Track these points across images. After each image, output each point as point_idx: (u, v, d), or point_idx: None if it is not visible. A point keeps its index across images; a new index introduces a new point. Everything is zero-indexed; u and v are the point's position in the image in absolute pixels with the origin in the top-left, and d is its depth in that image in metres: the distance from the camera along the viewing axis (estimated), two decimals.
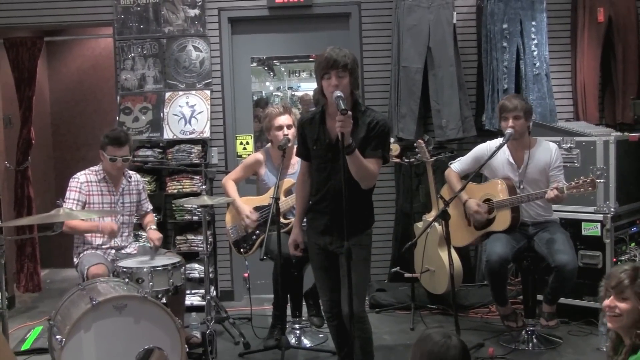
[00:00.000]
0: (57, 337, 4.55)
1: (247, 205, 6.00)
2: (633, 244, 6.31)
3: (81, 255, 5.64)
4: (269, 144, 6.12)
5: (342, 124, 4.10)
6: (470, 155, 5.92)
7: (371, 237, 4.66)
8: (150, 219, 6.06)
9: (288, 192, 5.90)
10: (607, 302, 3.21)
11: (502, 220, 5.70)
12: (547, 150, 5.70)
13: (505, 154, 5.72)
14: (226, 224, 6.22)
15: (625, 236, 6.27)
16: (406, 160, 6.63)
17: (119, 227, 5.60)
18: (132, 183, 5.92)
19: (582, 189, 5.31)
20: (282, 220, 5.71)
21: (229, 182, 6.12)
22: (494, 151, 5.55)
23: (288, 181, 5.86)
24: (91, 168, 5.78)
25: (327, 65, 4.31)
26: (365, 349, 4.58)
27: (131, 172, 5.96)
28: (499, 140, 5.68)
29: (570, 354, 5.50)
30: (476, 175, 5.71)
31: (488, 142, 5.89)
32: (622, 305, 3.16)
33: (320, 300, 5.07)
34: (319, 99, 4.60)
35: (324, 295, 4.78)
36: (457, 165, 5.97)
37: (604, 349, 3.45)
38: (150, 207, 6.13)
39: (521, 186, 5.68)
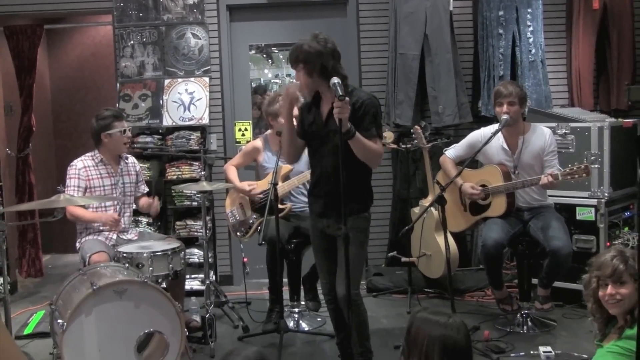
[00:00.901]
0: (59, 321, 4.55)
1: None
2: (626, 229, 6.32)
3: (83, 240, 5.63)
4: (269, 130, 6.11)
5: (340, 110, 4.05)
6: (464, 141, 5.92)
7: (369, 221, 4.63)
8: (146, 200, 6.05)
9: (285, 178, 5.90)
10: (607, 291, 3.22)
11: (498, 205, 5.70)
12: (541, 135, 5.69)
13: (499, 140, 5.70)
14: (225, 208, 6.24)
15: (618, 221, 6.28)
16: (403, 146, 6.61)
17: (120, 220, 5.57)
18: (129, 164, 5.91)
19: (576, 175, 5.30)
20: (279, 205, 5.71)
21: (230, 168, 6.15)
22: (490, 137, 5.54)
23: (286, 167, 5.85)
24: (86, 154, 5.75)
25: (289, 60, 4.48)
26: (360, 332, 4.58)
27: (127, 154, 5.95)
28: (494, 127, 5.67)
29: (564, 337, 5.52)
30: (472, 161, 5.71)
31: (482, 128, 5.88)
32: (623, 291, 3.18)
33: (319, 283, 5.06)
34: None
35: (323, 278, 4.78)
36: (452, 151, 5.97)
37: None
38: (146, 189, 6.11)
39: (516, 172, 5.67)
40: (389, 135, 5.98)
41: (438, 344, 2.72)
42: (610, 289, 3.22)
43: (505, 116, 5.54)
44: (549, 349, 5.14)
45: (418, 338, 2.77)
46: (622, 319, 3.22)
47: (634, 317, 3.16)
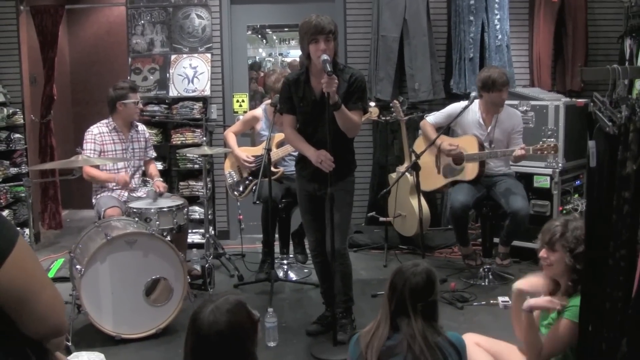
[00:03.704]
0: (77, 267, 4.58)
1: (244, 152, 6.00)
2: (576, 195, 6.35)
3: (98, 197, 5.60)
4: (267, 101, 6.06)
5: (327, 85, 4.10)
6: (444, 111, 5.89)
7: (354, 184, 4.65)
8: (154, 171, 5.98)
9: (280, 145, 5.88)
10: (541, 253, 3.24)
11: (470, 170, 5.71)
12: (512, 116, 5.72)
13: (476, 115, 5.71)
14: (224, 170, 6.22)
15: (570, 188, 6.30)
16: (383, 118, 6.60)
17: (130, 179, 5.56)
18: (140, 131, 5.85)
19: (545, 152, 5.38)
20: (272, 169, 5.70)
21: (230, 134, 6.12)
22: (464, 108, 5.61)
23: (280, 135, 5.83)
24: (102, 121, 5.70)
25: (315, 31, 4.23)
26: (345, 281, 4.60)
27: (137, 123, 5.90)
28: (476, 102, 5.69)
29: None
30: (448, 130, 5.76)
31: (461, 102, 5.87)
32: (552, 257, 3.18)
33: (306, 239, 5.06)
34: (303, 61, 4.51)
35: (310, 236, 4.76)
36: (432, 118, 5.94)
37: None
38: (154, 154, 6.06)
39: (491, 145, 5.68)
40: (374, 111, 5.96)
41: (390, 278, 2.80)
42: (542, 252, 3.23)
43: (474, 93, 5.57)
44: (506, 298, 5.19)
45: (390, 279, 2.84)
46: (562, 285, 3.23)
47: (567, 284, 3.17)
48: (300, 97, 4.49)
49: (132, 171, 5.74)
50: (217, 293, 5.40)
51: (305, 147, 4.48)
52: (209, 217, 6.35)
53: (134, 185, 5.73)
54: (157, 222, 5.12)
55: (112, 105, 5.64)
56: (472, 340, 3.33)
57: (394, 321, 2.75)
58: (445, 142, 5.80)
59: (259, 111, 6.14)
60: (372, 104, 6.02)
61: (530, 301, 3.21)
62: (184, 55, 7.26)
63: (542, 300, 3.22)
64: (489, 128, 5.68)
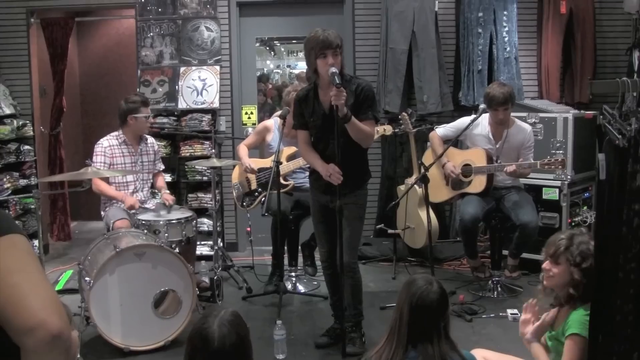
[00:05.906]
0: (86, 279, 4.59)
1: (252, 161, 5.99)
2: (585, 207, 6.33)
3: (107, 209, 5.62)
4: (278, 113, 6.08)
5: (336, 97, 4.10)
6: (454, 124, 5.89)
7: (366, 197, 4.65)
8: (162, 184, 6.00)
9: (290, 157, 5.87)
10: (544, 265, 3.24)
11: (478, 183, 5.70)
12: (522, 131, 5.69)
13: (486, 129, 5.70)
14: (232, 180, 6.22)
15: (579, 200, 6.29)
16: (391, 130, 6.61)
17: (138, 206, 5.56)
18: (149, 145, 5.88)
19: (553, 167, 5.39)
20: (282, 181, 5.71)
21: (242, 147, 6.08)
22: (472, 120, 5.59)
23: (290, 148, 5.83)
24: (112, 134, 5.73)
25: (323, 46, 4.24)
26: (355, 294, 4.61)
27: (147, 136, 5.93)
28: (485, 116, 5.65)
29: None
30: (457, 142, 5.75)
31: (472, 116, 5.86)
32: (555, 270, 3.18)
33: (315, 251, 5.05)
34: (310, 76, 4.52)
35: (322, 247, 4.77)
36: (442, 130, 5.94)
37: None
38: (162, 167, 6.08)
39: (498, 160, 5.67)
40: (387, 128, 5.96)
41: (408, 300, 2.75)
42: (546, 264, 3.23)
43: (482, 105, 5.56)
44: (515, 311, 5.17)
45: (402, 293, 2.81)
46: (561, 295, 3.22)
47: (566, 296, 3.17)
48: (310, 112, 4.51)
49: (140, 184, 5.76)
50: (218, 307, 5.40)
51: (316, 161, 4.51)
52: (218, 229, 6.35)
53: (142, 195, 5.75)
54: (166, 234, 5.14)
55: (123, 118, 5.67)
56: (480, 356, 3.31)
57: (411, 343, 2.72)
58: (450, 163, 5.79)
59: (270, 122, 6.13)
60: (384, 122, 6.03)
61: (529, 332, 3.27)
62: (193, 68, 7.29)
63: (538, 324, 3.27)
64: (499, 143, 5.67)
